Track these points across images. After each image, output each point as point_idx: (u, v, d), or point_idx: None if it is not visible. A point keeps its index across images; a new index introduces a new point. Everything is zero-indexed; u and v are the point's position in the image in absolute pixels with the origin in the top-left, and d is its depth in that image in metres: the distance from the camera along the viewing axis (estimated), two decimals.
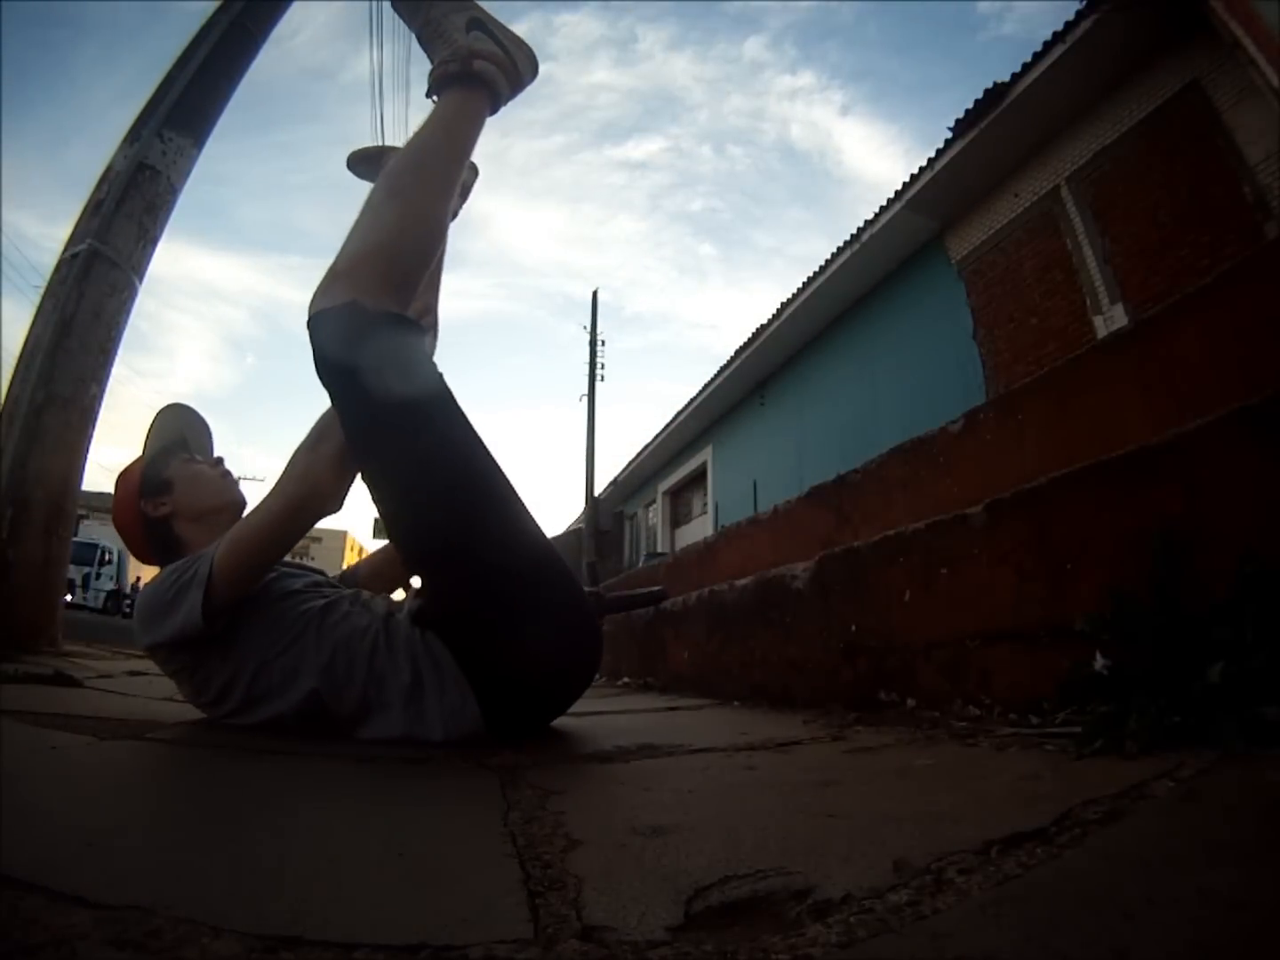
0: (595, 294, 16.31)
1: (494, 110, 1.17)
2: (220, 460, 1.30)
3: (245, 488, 1.30)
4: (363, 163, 1.42)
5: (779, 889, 0.40)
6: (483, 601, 0.95)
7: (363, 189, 1.28)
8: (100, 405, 2.86)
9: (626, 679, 2.20)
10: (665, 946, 0.34)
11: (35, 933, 0.34)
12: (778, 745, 0.89)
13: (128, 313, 2.98)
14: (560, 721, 1.10)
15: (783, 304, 8.62)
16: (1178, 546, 0.75)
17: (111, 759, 0.83)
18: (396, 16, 1.24)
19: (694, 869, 0.44)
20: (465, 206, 1.44)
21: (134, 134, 3.05)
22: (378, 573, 1.39)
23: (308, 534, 1.08)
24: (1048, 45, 4.98)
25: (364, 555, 1.57)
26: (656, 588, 1.47)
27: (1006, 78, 5.32)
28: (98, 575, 15.09)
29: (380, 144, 1.59)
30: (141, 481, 1.20)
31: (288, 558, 1.16)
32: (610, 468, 18.51)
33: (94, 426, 2.84)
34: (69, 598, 7.11)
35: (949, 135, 5.91)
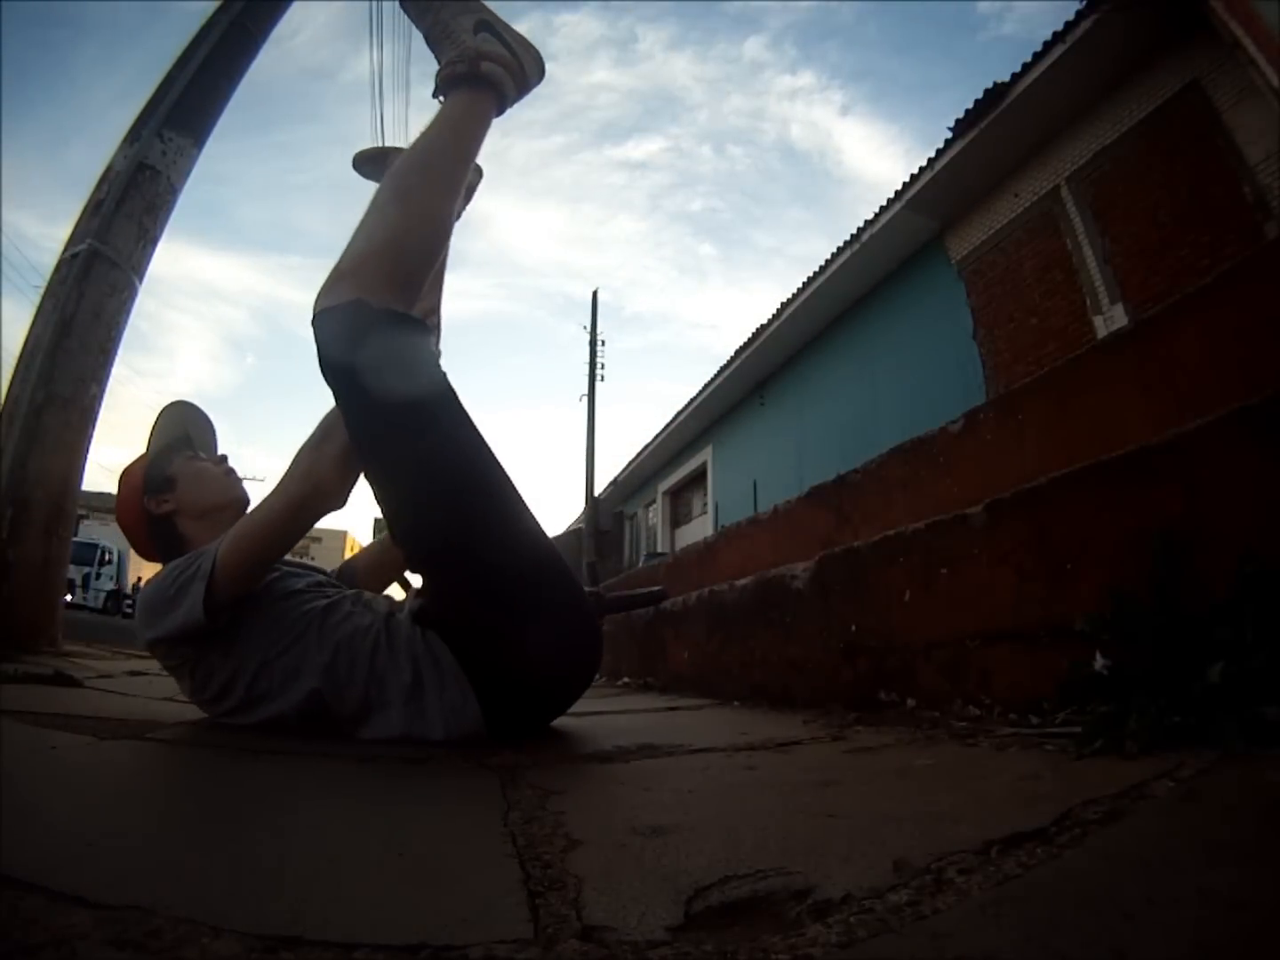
0: (595, 294, 16.34)
1: (500, 112, 1.17)
2: (224, 458, 1.31)
3: (247, 487, 1.31)
4: (368, 163, 1.42)
5: (779, 889, 0.40)
6: (484, 601, 0.95)
7: (365, 189, 1.28)
8: (100, 405, 2.87)
9: (626, 679, 2.20)
10: (665, 946, 0.34)
11: (35, 933, 0.34)
12: (778, 745, 0.89)
13: (128, 313, 2.98)
14: (560, 721, 1.10)
15: (783, 304, 8.62)
16: (1178, 546, 0.75)
17: (111, 759, 0.83)
18: (399, 17, 1.24)
19: (694, 869, 0.44)
20: (468, 208, 1.44)
21: (134, 134, 3.06)
22: (376, 563, 1.39)
23: (308, 534, 1.08)
24: (1048, 45, 4.99)
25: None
26: (656, 588, 1.47)
27: (1006, 78, 5.32)
28: (98, 575, 15.09)
29: (385, 145, 1.59)
30: (145, 478, 1.20)
31: (289, 557, 1.16)
32: (610, 468, 18.53)
33: (94, 426, 2.84)
34: (69, 598, 7.11)
35: (949, 135, 5.91)
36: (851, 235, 7.28)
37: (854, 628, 1.20)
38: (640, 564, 9.39)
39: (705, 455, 12.14)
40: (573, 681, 1.05)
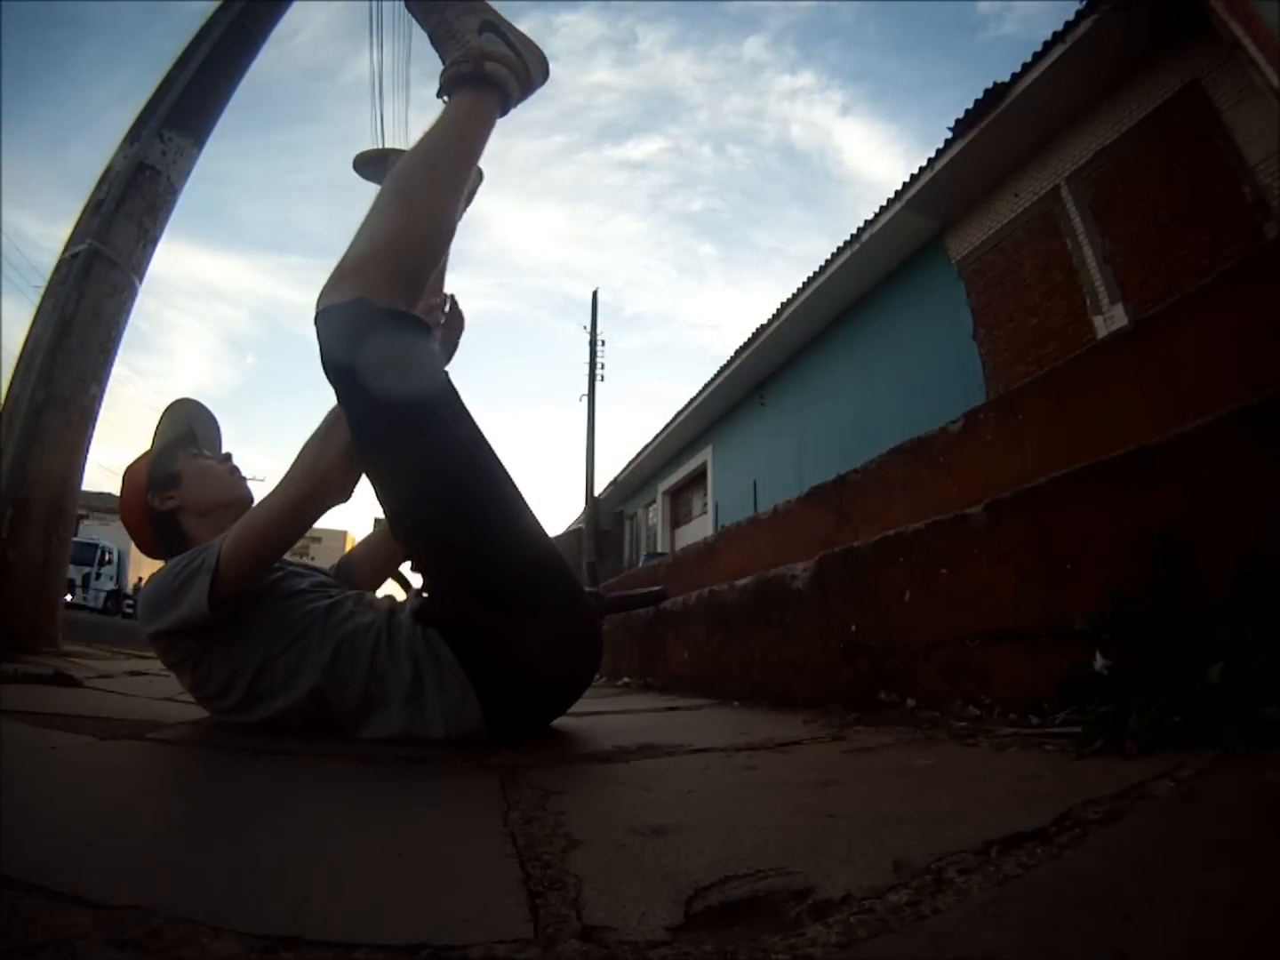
0: (595, 294, 16.35)
1: (504, 112, 1.17)
2: (228, 456, 1.31)
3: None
4: (369, 164, 1.42)
5: (779, 889, 0.40)
6: (484, 600, 0.95)
7: (365, 189, 1.28)
8: (100, 405, 2.87)
9: (626, 679, 2.20)
10: (665, 946, 0.34)
11: (35, 933, 0.34)
12: (778, 745, 0.89)
13: (128, 313, 2.98)
14: (560, 721, 1.09)
15: (783, 304, 8.62)
16: (1178, 546, 0.75)
17: (111, 759, 0.83)
18: (399, 17, 1.25)
19: (694, 869, 0.44)
20: (468, 209, 1.44)
21: (134, 134, 3.06)
22: (373, 555, 1.39)
23: (308, 533, 1.08)
24: (1048, 45, 4.99)
25: None
26: (656, 588, 1.47)
27: (1006, 78, 5.32)
28: (98, 575, 15.09)
29: (385, 146, 1.59)
30: (149, 474, 1.21)
31: (291, 558, 1.16)
32: (610, 468, 18.53)
33: (94, 426, 2.85)
34: (69, 598, 7.10)
35: (949, 135, 5.91)
36: (851, 235, 7.28)
37: (854, 628, 1.20)
38: (640, 564, 9.39)
39: (705, 455, 12.14)
40: (573, 681, 1.05)
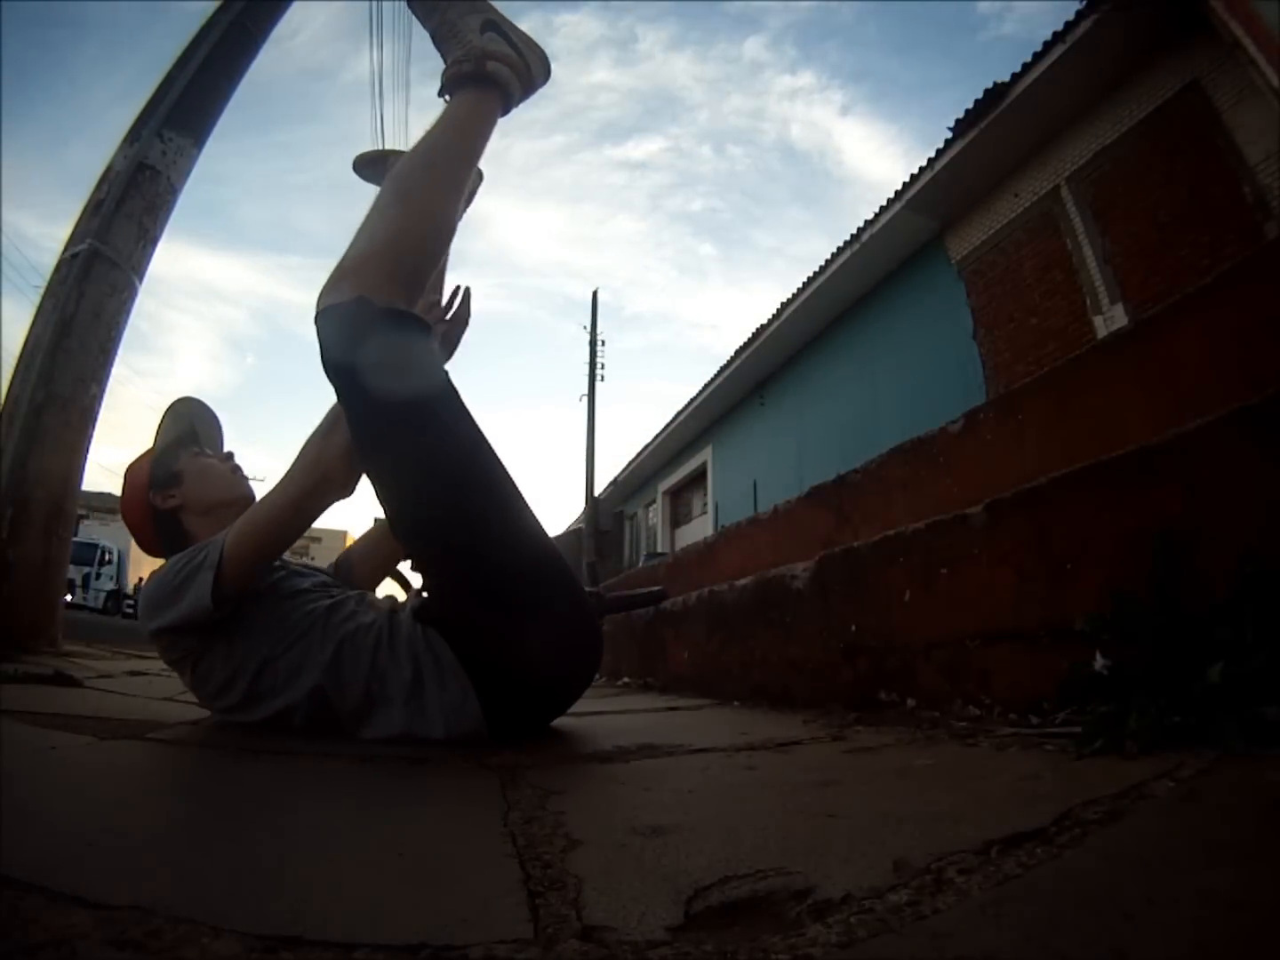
0: (595, 294, 16.36)
1: (505, 111, 1.17)
2: (231, 455, 1.31)
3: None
4: (368, 166, 1.42)
5: (779, 889, 0.40)
6: (484, 600, 0.95)
7: (365, 189, 1.28)
8: (100, 405, 2.87)
9: (626, 679, 2.20)
10: (665, 946, 0.34)
11: (35, 933, 0.34)
12: (778, 745, 0.89)
13: (128, 313, 2.98)
14: (560, 721, 1.09)
15: (783, 304, 8.62)
16: (1178, 546, 0.75)
17: (111, 759, 0.83)
18: (399, 17, 1.25)
19: (694, 869, 0.44)
20: (468, 210, 1.44)
21: (134, 134, 3.06)
22: (372, 552, 1.39)
23: (307, 533, 1.08)
24: (1048, 45, 4.99)
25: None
26: (656, 588, 1.47)
27: (1006, 78, 5.32)
28: (98, 575, 15.08)
29: (384, 148, 1.59)
30: (151, 473, 1.21)
31: (291, 558, 1.16)
32: (610, 468, 18.53)
33: (94, 426, 2.85)
34: (69, 598, 7.11)
35: (949, 135, 5.91)
36: (851, 235, 7.28)
37: (854, 628, 1.20)
38: (640, 564, 9.39)
39: (705, 455, 12.14)
40: (573, 681, 1.05)
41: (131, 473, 1.24)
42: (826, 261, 7.71)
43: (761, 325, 9.13)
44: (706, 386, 10.93)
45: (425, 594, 1.03)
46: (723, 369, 10.35)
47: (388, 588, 1.42)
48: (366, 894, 0.41)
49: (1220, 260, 3.90)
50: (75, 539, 4.69)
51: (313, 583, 1.12)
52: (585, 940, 0.35)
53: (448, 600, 0.98)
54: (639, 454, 14.08)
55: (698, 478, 12.71)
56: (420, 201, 1.06)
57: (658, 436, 13.03)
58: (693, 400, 11.42)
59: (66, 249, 2.88)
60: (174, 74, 3.18)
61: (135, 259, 2.95)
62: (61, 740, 0.90)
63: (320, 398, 1.05)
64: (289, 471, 1.02)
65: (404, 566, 1.44)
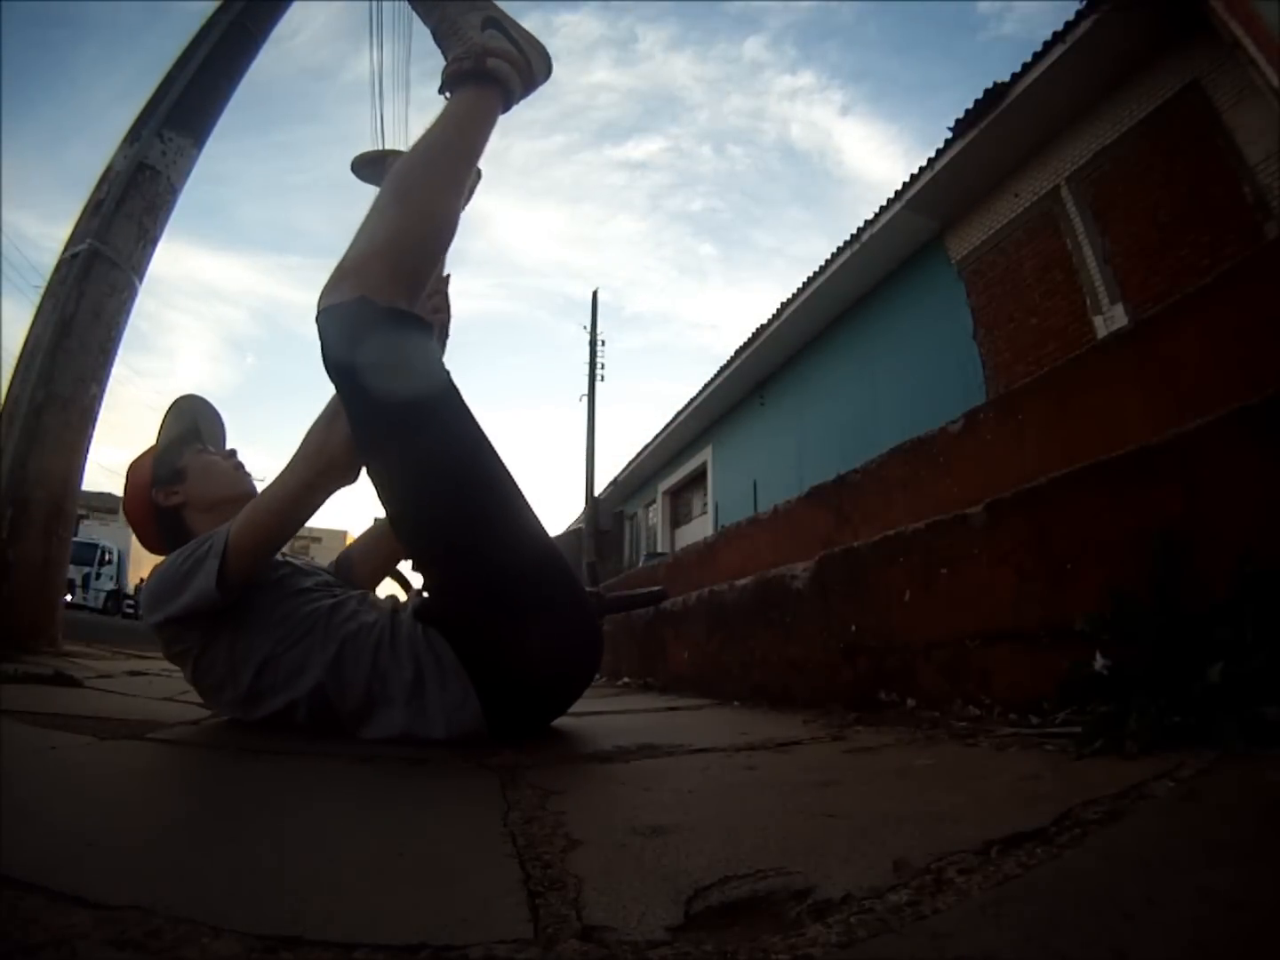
0: (595, 294, 16.36)
1: (506, 108, 1.17)
2: (233, 452, 1.31)
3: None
4: (367, 166, 1.42)
5: (779, 889, 0.40)
6: (485, 600, 0.95)
7: (365, 189, 1.28)
8: (100, 405, 2.87)
9: (626, 679, 2.20)
10: (665, 946, 0.34)
11: (35, 933, 0.34)
12: (778, 745, 0.89)
13: (128, 313, 2.98)
14: (560, 721, 1.09)
15: (783, 304, 8.62)
16: (1178, 546, 0.74)
17: (111, 759, 0.83)
18: (399, 16, 1.25)
19: (694, 869, 0.44)
20: (468, 208, 1.44)
21: (134, 134, 3.06)
22: (372, 550, 1.39)
23: (307, 533, 1.09)
24: (1048, 45, 4.99)
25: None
26: (656, 588, 1.47)
27: (1006, 78, 5.32)
28: (98, 575, 15.08)
29: (384, 148, 1.59)
30: (154, 470, 1.21)
31: (292, 556, 1.16)
32: (610, 468, 18.53)
33: (94, 426, 2.85)
34: (69, 598, 7.11)
35: (949, 135, 5.91)
36: (851, 235, 7.28)
37: (854, 628, 1.20)
38: (640, 564, 9.39)
39: (705, 455, 12.13)
40: (573, 681, 1.05)
41: (134, 470, 1.24)
42: (826, 261, 7.71)
43: (761, 325, 9.13)
44: (706, 386, 10.93)
45: (426, 594, 1.03)
46: (723, 369, 10.35)
47: (388, 587, 1.42)
48: (367, 894, 0.41)
49: (1220, 260, 3.90)
50: (75, 539, 4.69)
51: (316, 581, 1.12)
52: (585, 940, 0.35)
53: (449, 600, 0.98)
54: (639, 454, 14.08)
55: (698, 478, 12.71)
56: (421, 200, 1.06)
57: (658, 436, 13.03)
58: (693, 400, 11.42)
59: (66, 249, 2.89)
60: (174, 74, 3.18)
61: (135, 259, 2.95)
62: (61, 740, 0.90)
63: (320, 398, 1.05)
64: (292, 460, 1.02)
65: (404, 566, 1.44)
